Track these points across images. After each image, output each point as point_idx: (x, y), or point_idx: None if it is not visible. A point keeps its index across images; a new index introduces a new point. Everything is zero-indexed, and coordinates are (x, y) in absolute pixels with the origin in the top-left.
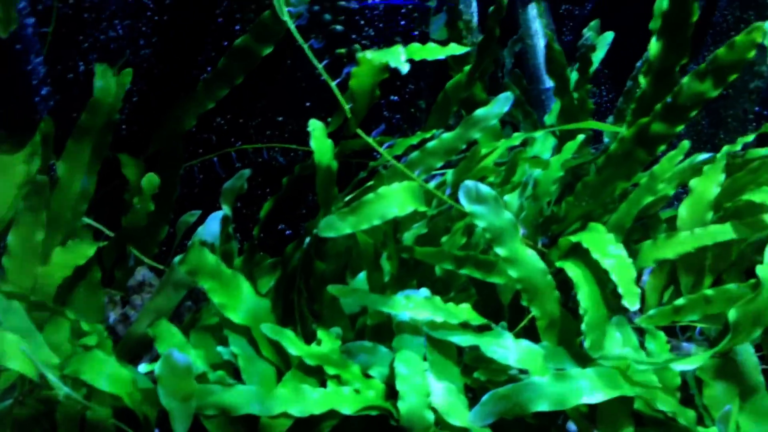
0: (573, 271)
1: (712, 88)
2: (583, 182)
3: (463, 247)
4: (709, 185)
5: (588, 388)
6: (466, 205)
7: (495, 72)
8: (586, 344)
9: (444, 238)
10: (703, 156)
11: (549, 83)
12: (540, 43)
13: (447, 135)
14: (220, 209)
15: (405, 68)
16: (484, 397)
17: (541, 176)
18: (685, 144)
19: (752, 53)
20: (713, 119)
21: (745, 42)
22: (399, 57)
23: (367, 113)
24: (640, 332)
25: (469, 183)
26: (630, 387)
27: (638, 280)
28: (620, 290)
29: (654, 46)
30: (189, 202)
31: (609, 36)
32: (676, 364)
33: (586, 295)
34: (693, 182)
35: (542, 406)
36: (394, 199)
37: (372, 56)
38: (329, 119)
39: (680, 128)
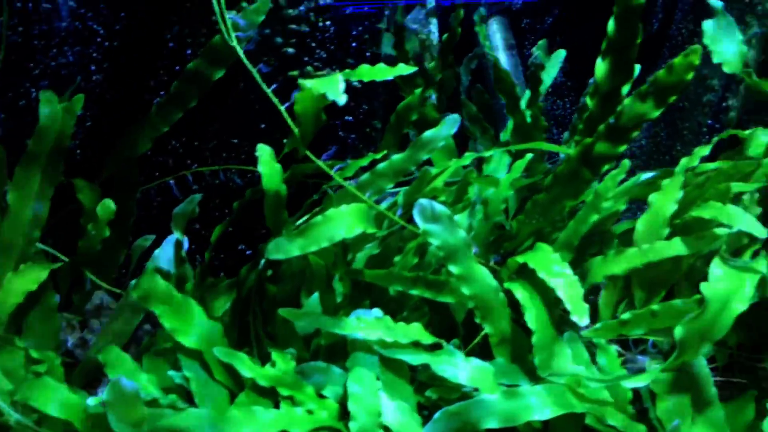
0: (521, 292)
1: (653, 108)
2: (533, 201)
3: (415, 266)
4: (666, 201)
5: (537, 405)
6: (421, 224)
7: (457, 88)
8: (536, 363)
9: (397, 258)
10: (647, 175)
11: None
12: (502, 57)
13: (396, 157)
14: None
15: (342, 100)
16: (436, 415)
17: (492, 195)
18: (626, 163)
19: (690, 75)
20: (671, 131)
21: (684, 64)
22: (336, 88)
23: (323, 134)
24: (595, 346)
25: (423, 202)
26: (579, 403)
27: (597, 295)
28: (568, 306)
29: (600, 67)
30: (147, 224)
31: (561, 54)
32: (626, 382)
33: (533, 316)
34: (651, 197)
35: (492, 423)
36: (342, 222)
37: (311, 85)
38: (285, 140)
39: (623, 148)
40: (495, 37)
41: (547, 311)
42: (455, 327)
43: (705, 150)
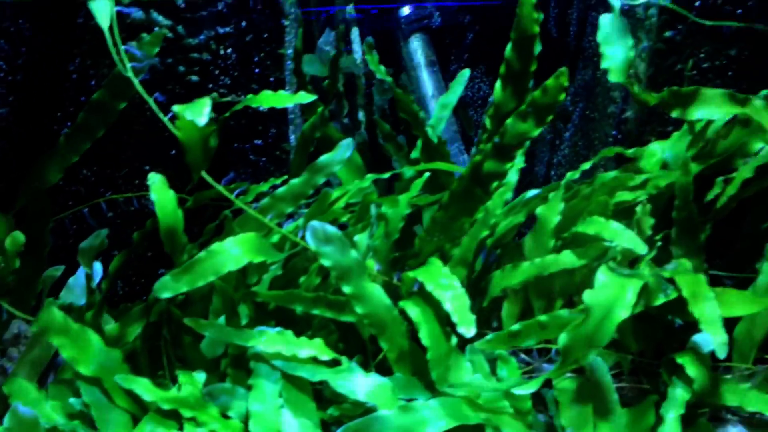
0: (413, 309)
1: (534, 127)
2: (432, 218)
3: (318, 286)
4: (551, 214)
5: (432, 419)
6: (314, 245)
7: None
8: (433, 377)
9: (302, 278)
10: (532, 192)
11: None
12: (423, 74)
13: (295, 181)
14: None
15: (202, 121)
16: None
17: (391, 214)
18: (513, 180)
19: (563, 96)
20: (586, 141)
21: (555, 86)
22: (201, 111)
23: (234, 158)
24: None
25: (315, 224)
26: (475, 414)
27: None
28: (454, 319)
29: (497, 90)
30: (65, 253)
31: (466, 73)
32: (516, 389)
33: (427, 333)
34: (538, 210)
35: None
36: (227, 255)
37: (179, 110)
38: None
39: (510, 165)
40: (416, 54)
41: (440, 326)
42: (363, 343)
43: (586, 165)
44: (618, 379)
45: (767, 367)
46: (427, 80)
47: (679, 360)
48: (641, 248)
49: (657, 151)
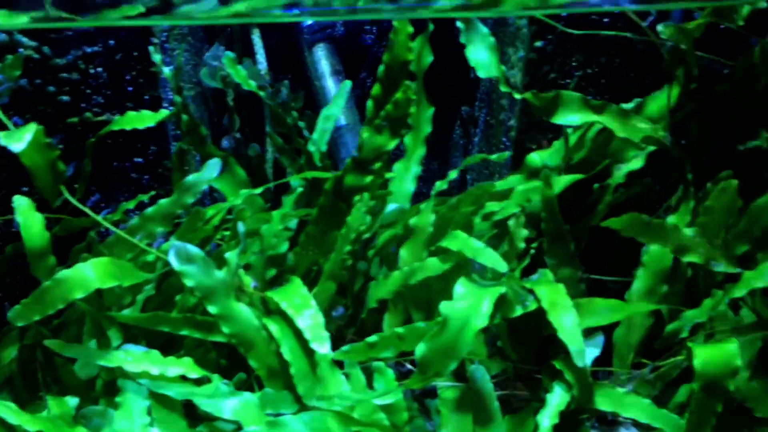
0: (274, 326)
1: (389, 140)
2: (305, 233)
3: (194, 306)
4: (423, 224)
5: None
6: (176, 265)
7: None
8: (300, 392)
9: (178, 297)
10: (392, 206)
11: (343, 121)
12: (329, 83)
13: (163, 201)
14: None
15: (17, 148)
16: None
17: (265, 230)
18: (366, 195)
19: (413, 108)
20: (489, 147)
21: (404, 99)
22: (20, 138)
23: (113, 177)
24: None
25: (177, 244)
26: (341, 427)
27: None
28: (307, 336)
29: (369, 108)
30: None
31: (347, 84)
32: (376, 400)
33: (288, 349)
34: (412, 221)
35: None
36: (77, 281)
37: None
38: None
39: (370, 179)
40: (320, 64)
41: (301, 342)
42: (243, 360)
43: (453, 173)
44: (503, 387)
45: (642, 372)
46: (332, 90)
47: (558, 366)
48: (501, 266)
49: (536, 160)
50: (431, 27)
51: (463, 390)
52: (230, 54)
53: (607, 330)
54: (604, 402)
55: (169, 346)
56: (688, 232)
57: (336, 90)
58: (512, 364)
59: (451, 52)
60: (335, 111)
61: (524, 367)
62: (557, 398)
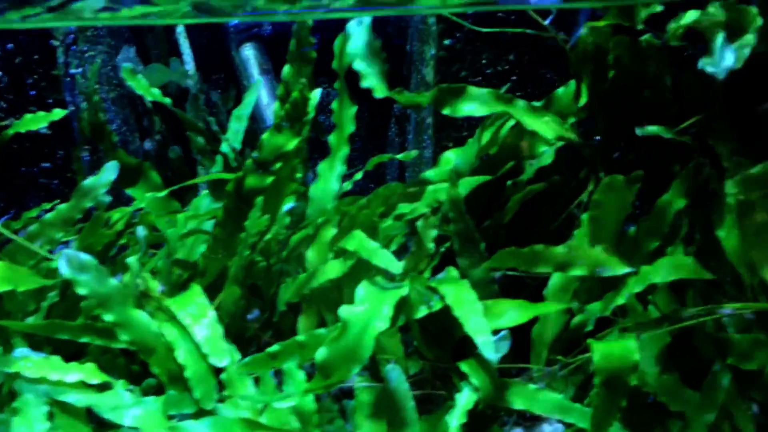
0: (170, 332)
1: (290, 139)
2: (213, 236)
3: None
4: (328, 225)
5: None
6: (68, 274)
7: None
8: (197, 396)
9: (83, 303)
10: (288, 205)
11: (271, 122)
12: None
13: (62, 206)
14: None
15: None
16: None
17: (170, 233)
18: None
19: (310, 107)
20: (419, 144)
21: (302, 99)
22: None
23: (21, 182)
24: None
25: (68, 252)
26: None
27: None
28: (205, 350)
29: (277, 109)
30: None
31: (259, 82)
32: (276, 403)
33: (184, 354)
34: (319, 221)
35: None
36: None
37: None
38: None
39: (271, 180)
40: (248, 64)
41: (197, 347)
42: None
43: (359, 175)
44: (420, 387)
45: (553, 369)
46: (262, 89)
47: (462, 366)
48: (395, 267)
49: (451, 159)
50: None
51: (378, 390)
52: (127, 65)
53: (528, 327)
54: (516, 399)
55: (80, 353)
56: (561, 249)
57: (265, 89)
58: (429, 363)
59: (383, 48)
60: (246, 111)
61: (440, 365)
62: (465, 398)
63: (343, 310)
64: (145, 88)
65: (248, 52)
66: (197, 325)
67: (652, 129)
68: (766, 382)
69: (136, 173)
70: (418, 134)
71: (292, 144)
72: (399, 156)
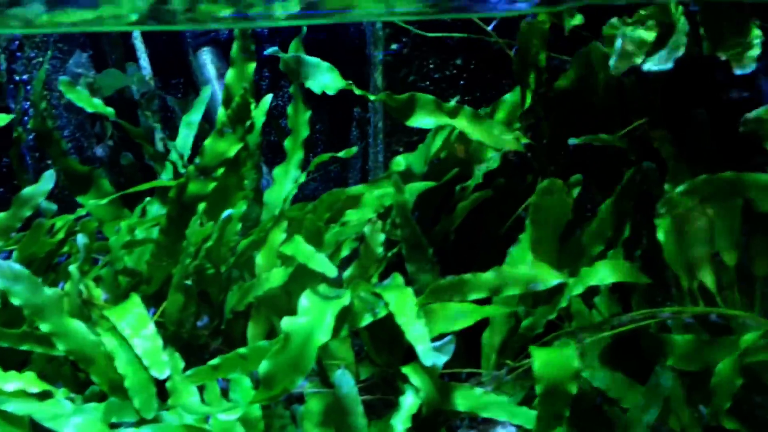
0: (110, 341)
1: (232, 145)
2: (156, 244)
3: None
4: (277, 231)
5: None
6: (1, 285)
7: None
8: (136, 406)
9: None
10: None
11: None
12: (216, 87)
13: (1, 215)
14: None
15: None
16: None
17: (113, 242)
18: (202, 206)
19: (251, 113)
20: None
21: (243, 104)
22: None
23: None
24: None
25: (1, 263)
26: None
27: None
28: (145, 363)
29: (221, 115)
30: None
31: (208, 90)
32: (219, 414)
33: (123, 364)
34: (266, 227)
35: None
36: None
37: None
38: None
39: (213, 185)
40: (206, 68)
41: (136, 356)
42: None
43: (303, 177)
44: (371, 392)
45: (500, 372)
46: (219, 93)
47: (404, 370)
48: (331, 271)
49: (401, 163)
50: (305, 30)
51: (328, 396)
52: (64, 78)
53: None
54: (461, 402)
55: (26, 362)
56: (490, 275)
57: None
58: (378, 368)
59: (345, 53)
60: (196, 118)
61: (389, 370)
62: (409, 402)
63: (286, 322)
64: (85, 99)
65: (205, 57)
66: (137, 337)
67: (587, 137)
68: (713, 386)
69: (87, 181)
70: (376, 138)
71: (235, 149)
72: (340, 153)
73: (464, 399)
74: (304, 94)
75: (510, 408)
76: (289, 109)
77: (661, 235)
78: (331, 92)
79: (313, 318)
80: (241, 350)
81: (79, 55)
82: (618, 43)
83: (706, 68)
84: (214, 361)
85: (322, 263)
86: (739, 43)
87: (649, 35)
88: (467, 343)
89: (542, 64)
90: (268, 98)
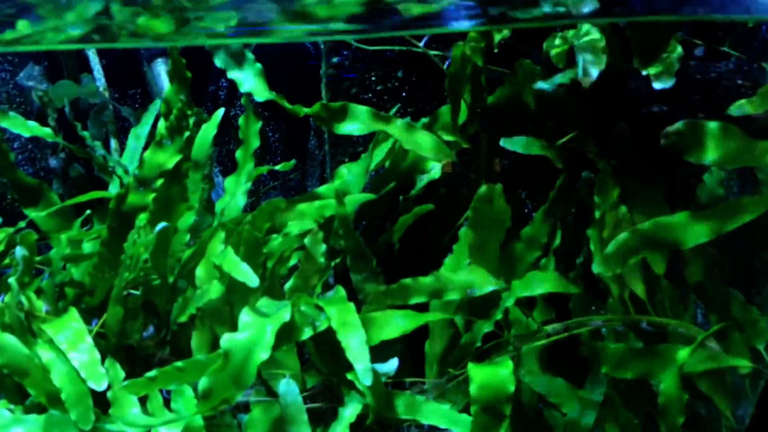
0: (46, 354)
1: (171, 156)
2: (99, 255)
3: None
4: (216, 242)
5: None
6: None
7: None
8: (74, 418)
9: None
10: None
11: None
12: None
13: None
14: None
15: None
16: None
17: (53, 254)
18: (143, 216)
19: (189, 124)
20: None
21: (180, 116)
22: None
23: None
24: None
25: None
26: None
27: None
28: (83, 375)
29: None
30: None
31: (156, 104)
32: (161, 427)
33: (60, 376)
34: (205, 239)
35: None
36: None
37: None
38: None
39: (152, 197)
40: (160, 79)
41: (73, 370)
42: None
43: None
44: (316, 400)
45: (440, 381)
46: None
47: (350, 377)
48: (253, 281)
49: (345, 174)
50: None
51: (273, 405)
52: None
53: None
54: (403, 410)
55: None
56: (429, 280)
57: None
58: (323, 376)
59: (303, 63)
60: (144, 131)
61: (334, 379)
62: (350, 410)
63: (225, 339)
64: (20, 124)
65: (159, 68)
66: (74, 350)
67: (520, 144)
68: (662, 406)
69: (36, 193)
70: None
71: (174, 161)
72: (278, 167)
73: (406, 407)
74: (255, 106)
75: (450, 415)
76: (241, 120)
77: (593, 245)
78: (260, 99)
79: (253, 334)
80: (179, 363)
81: (31, 67)
82: (579, 59)
83: (630, 82)
84: (151, 373)
85: (244, 273)
86: (661, 60)
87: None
88: (413, 352)
89: (476, 78)
90: (220, 112)
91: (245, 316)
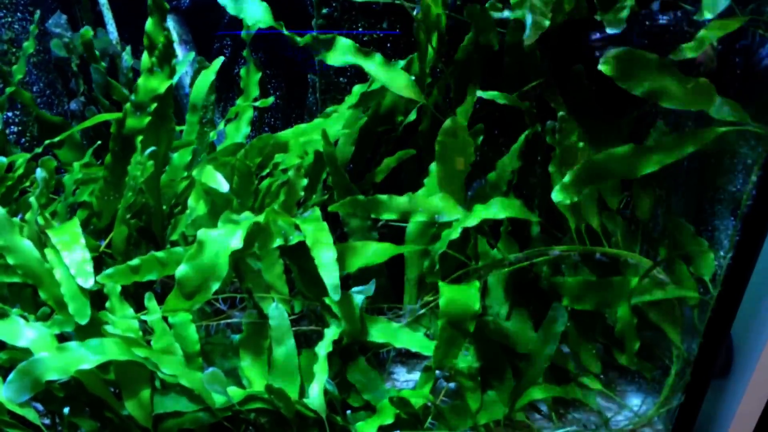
0: (51, 255)
1: (163, 81)
2: (103, 179)
3: None
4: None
5: (85, 356)
6: None
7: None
8: (71, 312)
9: None
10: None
11: (188, 89)
12: (178, 50)
13: None
14: None
15: None
16: (11, 375)
17: (66, 179)
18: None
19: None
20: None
21: (166, 43)
22: None
23: None
24: None
25: None
26: (122, 349)
27: None
28: (72, 271)
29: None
30: None
31: (191, 55)
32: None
33: (60, 274)
34: (195, 172)
35: (52, 376)
36: None
37: None
38: None
39: (147, 120)
40: (170, 33)
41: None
42: None
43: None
44: (301, 323)
45: (414, 307)
46: (180, 58)
47: (328, 302)
48: (223, 187)
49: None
50: None
51: (263, 326)
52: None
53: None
54: (378, 335)
55: None
56: (403, 200)
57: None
58: (309, 301)
59: (303, 18)
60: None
61: (317, 303)
62: (332, 331)
63: (201, 233)
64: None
65: (169, 23)
66: (69, 251)
67: (490, 94)
68: (619, 333)
69: (60, 130)
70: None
71: (165, 86)
72: (257, 103)
73: (380, 331)
74: (256, 58)
75: (422, 341)
76: (242, 71)
77: (553, 180)
78: (263, 26)
79: (226, 232)
80: (158, 254)
81: (59, 15)
82: (529, 18)
83: (587, 29)
84: (133, 262)
85: (217, 181)
86: (614, 9)
87: None
88: (395, 281)
89: (443, 26)
90: (220, 59)
91: (221, 221)
